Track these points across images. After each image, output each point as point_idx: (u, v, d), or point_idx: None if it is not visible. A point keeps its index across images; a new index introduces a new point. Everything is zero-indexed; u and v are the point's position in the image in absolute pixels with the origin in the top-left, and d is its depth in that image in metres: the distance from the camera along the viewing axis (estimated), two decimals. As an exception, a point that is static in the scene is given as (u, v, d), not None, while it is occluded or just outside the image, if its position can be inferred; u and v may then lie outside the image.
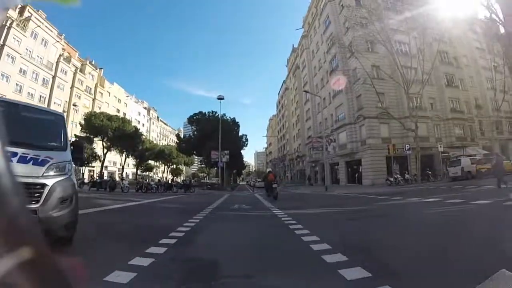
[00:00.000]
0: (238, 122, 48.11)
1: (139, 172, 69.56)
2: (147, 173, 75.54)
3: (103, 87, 75.88)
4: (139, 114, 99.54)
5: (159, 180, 27.97)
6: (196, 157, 52.11)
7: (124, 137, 48.91)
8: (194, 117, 45.50)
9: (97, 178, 27.12)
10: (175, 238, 5.34)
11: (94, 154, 47.35)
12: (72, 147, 5.04)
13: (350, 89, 38.16)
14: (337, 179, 43.48)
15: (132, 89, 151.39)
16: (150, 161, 75.34)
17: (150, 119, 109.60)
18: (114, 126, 47.58)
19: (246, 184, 68.89)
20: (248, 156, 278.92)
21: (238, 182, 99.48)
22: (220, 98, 36.40)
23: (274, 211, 10.70)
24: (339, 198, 16.99)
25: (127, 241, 5.48)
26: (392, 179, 28.37)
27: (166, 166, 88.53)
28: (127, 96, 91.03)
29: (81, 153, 5.42)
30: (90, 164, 52.16)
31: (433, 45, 33.88)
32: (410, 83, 31.72)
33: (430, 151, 34.66)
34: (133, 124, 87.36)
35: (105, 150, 51.37)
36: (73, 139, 51.09)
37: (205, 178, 71.76)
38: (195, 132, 44.96)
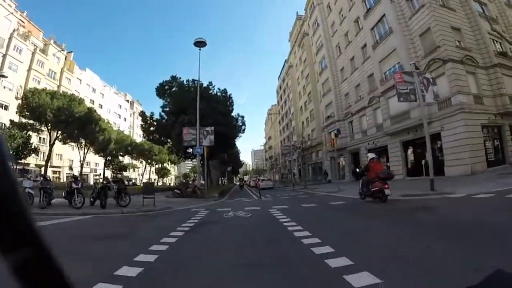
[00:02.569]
0: (231, 95, 32.57)
1: (108, 172, 55.05)
2: (122, 173, 60.89)
3: (72, 72, 62.21)
4: (120, 107, 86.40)
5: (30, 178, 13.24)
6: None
7: (71, 121, 34.48)
8: (166, 86, 30.29)
9: None
10: None
11: (29, 146, 32.73)
12: None
13: (406, 26, 24.20)
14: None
15: (121, 88, 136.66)
16: (122, 158, 61.16)
17: (134, 113, 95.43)
18: (56, 105, 33.06)
19: (244, 183, 53.16)
20: (245, 155, 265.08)
21: (235, 182, 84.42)
22: (200, 43, 21.36)
23: None
24: None
25: None
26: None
27: (149, 166, 73.80)
28: (104, 86, 77.01)
29: None
30: (26, 160, 37.53)
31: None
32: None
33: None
34: (111, 118, 74.04)
35: (52, 141, 36.96)
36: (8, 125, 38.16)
37: (201, 180, 57.37)
38: (167, 108, 30.13)
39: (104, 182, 12.45)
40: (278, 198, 17.27)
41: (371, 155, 11.38)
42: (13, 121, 35.85)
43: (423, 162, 22.81)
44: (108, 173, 60.38)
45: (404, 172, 24.56)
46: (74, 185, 11.72)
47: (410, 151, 24.86)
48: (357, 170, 12.64)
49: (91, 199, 12.26)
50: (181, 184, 25.21)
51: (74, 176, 13.47)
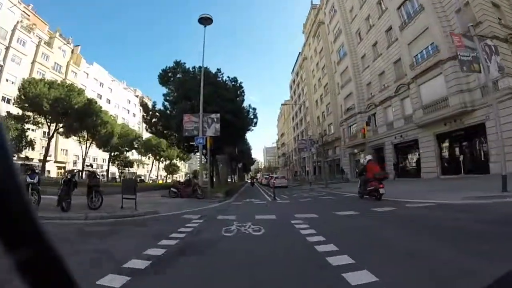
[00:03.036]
0: (241, 84, 29.00)
1: (112, 168, 52.97)
2: (128, 169, 58.78)
3: (79, 66, 60.58)
4: (129, 102, 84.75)
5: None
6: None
7: (69, 112, 32.27)
8: (169, 73, 27.31)
9: None
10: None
11: (24, 138, 30.64)
12: None
13: (439, 2, 21.15)
14: (406, 169, 26.31)
15: (131, 84, 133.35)
16: (130, 153, 59.02)
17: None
18: (53, 95, 30.89)
19: (255, 181, 50.28)
20: (256, 152, 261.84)
21: (246, 180, 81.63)
22: (205, 20, 18.63)
23: None
24: None
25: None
26: None
27: (158, 162, 71.47)
28: (112, 81, 75.23)
29: None
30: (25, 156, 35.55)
31: None
32: None
33: None
34: (120, 113, 72.16)
35: (51, 133, 34.93)
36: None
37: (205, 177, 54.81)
38: (170, 97, 27.24)
39: (68, 176, 9.41)
40: (297, 201, 14.15)
41: (368, 157, 12.46)
42: (10, 112, 33.85)
43: (461, 158, 19.78)
44: (115, 170, 58.65)
45: (438, 170, 21.35)
46: (28, 179, 8.96)
47: (445, 145, 21.71)
48: (356, 170, 12.08)
49: (58, 197, 9.53)
50: (180, 182, 21.98)
51: (30, 168, 10.55)
